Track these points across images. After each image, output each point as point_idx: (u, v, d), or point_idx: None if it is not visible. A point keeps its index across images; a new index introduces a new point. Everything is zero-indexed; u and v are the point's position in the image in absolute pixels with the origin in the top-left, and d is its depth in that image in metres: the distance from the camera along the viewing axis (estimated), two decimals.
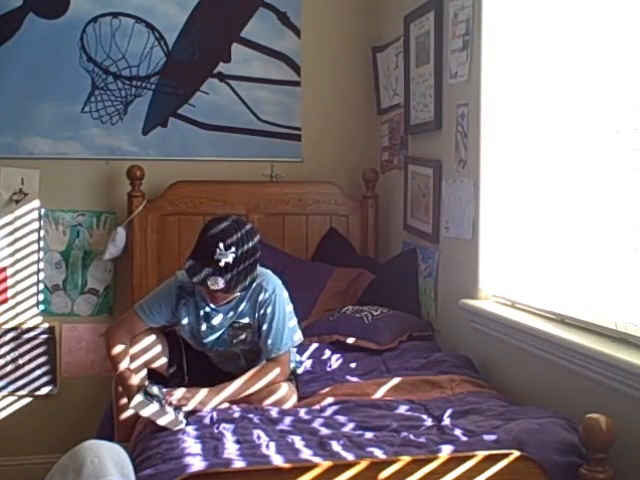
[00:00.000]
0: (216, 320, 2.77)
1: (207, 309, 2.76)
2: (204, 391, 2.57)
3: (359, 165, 4.10)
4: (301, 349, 3.25)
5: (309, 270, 3.82)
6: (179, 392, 2.54)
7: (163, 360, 2.85)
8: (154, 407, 2.43)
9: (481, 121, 2.97)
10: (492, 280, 2.99)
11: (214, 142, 4.05)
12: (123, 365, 2.71)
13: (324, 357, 3.20)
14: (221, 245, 2.55)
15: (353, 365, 3.10)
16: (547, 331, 2.52)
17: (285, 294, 2.82)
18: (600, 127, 2.37)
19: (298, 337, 2.86)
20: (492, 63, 2.93)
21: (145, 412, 2.44)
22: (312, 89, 4.11)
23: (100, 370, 3.89)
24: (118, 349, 2.73)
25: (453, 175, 3.21)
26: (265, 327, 2.74)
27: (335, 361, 3.16)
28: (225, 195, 3.88)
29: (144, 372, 2.80)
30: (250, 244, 2.61)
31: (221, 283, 2.55)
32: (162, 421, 2.39)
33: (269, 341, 2.74)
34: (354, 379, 2.92)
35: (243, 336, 2.78)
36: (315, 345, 3.31)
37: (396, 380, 2.82)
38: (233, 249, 2.56)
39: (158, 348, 2.84)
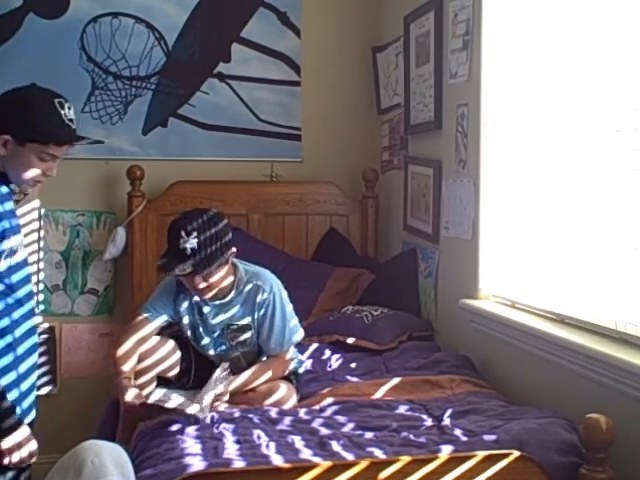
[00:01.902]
0: (211, 316, 2.78)
1: (201, 304, 2.78)
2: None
3: (359, 165, 4.10)
4: (301, 349, 3.25)
5: (309, 270, 3.82)
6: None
7: (172, 363, 2.83)
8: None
9: (481, 121, 2.97)
10: (492, 280, 2.99)
11: (214, 142, 4.05)
12: (125, 367, 2.69)
13: (324, 357, 3.20)
14: (182, 233, 2.60)
15: (353, 365, 3.10)
16: (547, 331, 2.52)
17: (284, 293, 2.83)
18: (600, 127, 2.37)
19: (299, 336, 2.87)
20: (492, 63, 2.93)
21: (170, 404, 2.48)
22: (312, 89, 4.11)
23: (100, 370, 3.90)
24: (121, 351, 2.72)
25: (453, 175, 3.21)
26: (266, 326, 2.76)
27: (335, 361, 3.16)
28: (225, 195, 3.88)
29: (153, 374, 2.78)
30: (213, 229, 2.64)
31: (188, 267, 2.60)
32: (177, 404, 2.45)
33: (271, 340, 2.77)
34: (354, 379, 2.92)
35: (242, 337, 2.79)
36: (315, 345, 3.32)
37: (396, 380, 2.82)
38: (195, 234, 2.60)
39: (167, 349, 2.81)
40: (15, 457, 2.04)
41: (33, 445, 2.10)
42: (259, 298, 2.75)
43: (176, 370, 2.80)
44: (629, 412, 2.12)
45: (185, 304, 2.80)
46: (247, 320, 2.77)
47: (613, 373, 2.17)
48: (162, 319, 2.81)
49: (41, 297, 3.92)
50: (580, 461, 2.03)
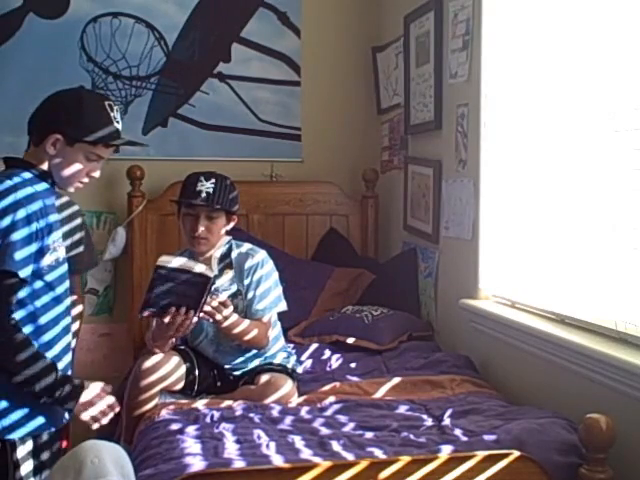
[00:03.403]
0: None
1: None
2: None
3: (359, 165, 4.10)
4: (301, 349, 3.25)
5: (309, 270, 3.82)
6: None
7: (177, 377, 2.80)
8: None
9: (481, 121, 2.97)
10: (492, 280, 2.99)
11: (214, 142, 4.05)
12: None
13: (324, 357, 3.20)
14: (202, 178, 2.80)
15: (353, 365, 3.10)
16: (547, 331, 2.52)
17: (275, 272, 2.89)
18: (600, 127, 2.37)
19: (282, 306, 2.90)
20: (492, 63, 2.94)
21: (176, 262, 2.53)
22: (312, 89, 4.11)
23: (100, 370, 3.89)
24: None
25: (453, 175, 3.21)
26: (252, 290, 2.82)
27: (335, 361, 3.16)
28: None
29: (158, 389, 2.75)
30: (229, 183, 2.84)
31: (200, 201, 2.75)
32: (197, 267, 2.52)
33: (254, 303, 2.82)
34: (354, 379, 2.92)
35: (235, 304, 2.79)
36: (315, 345, 3.32)
37: (396, 380, 2.82)
38: (213, 180, 2.79)
39: (172, 364, 2.78)
40: (94, 411, 2.05)
41: (109, 399, 2.10)
42: (248, 264, 2.84)
43: (181, 384, 2.79)
44: (629, 412, 2.12)
45: None
46: (237, 287, 2.82)
47: (613, 373, 2.17)
48: None
49: None
50: (580, 461, 2.03)
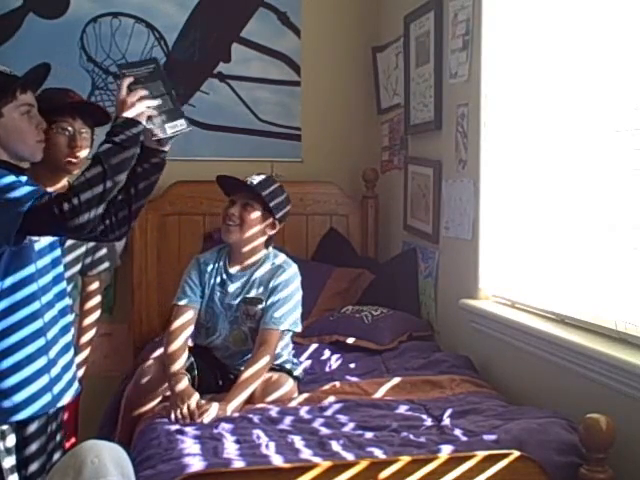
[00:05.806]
0: (232, 289, 2.81)
1: (227, 281, 2.83)
2: (215, 406, 2.50)
3: (359, 165, 4.10)
4: (301, 349, 3.25)
5: (309, 270, 3.80)
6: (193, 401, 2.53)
7: None
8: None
9: (481, 121, 2.97)
10: (492, 280, 2.99)
11: (214, 142, 4.05)
12: (176, 366, 2.66)
13: (324, 357, 3.20)
14: (255, 174, 2.85)
15: (353, 365, 3.10)
16: (547, 331, 2.52)
17: (300, 291, 2.85)
18: (600, 127, 2.37)
19: (296, 327, 2.84)
20: (492, 63, 2.94)
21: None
22: (312, 89, 4.11)
23: (100, 370, 3.89)
24: (173, 348, 2.72)
25: (453, 175, 3.21)
26: (272, 299, 2.77)
27: (335, 361, 3.16)
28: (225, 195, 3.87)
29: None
30: (281, 188, 2.84)
31: (247, 188, 2.77)
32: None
33: (269, 312, 2.76)
34: (354, 379, 2.92)
35: (253, 311, 2.79)
36: (315, 345, 3.32)
37: (396, 380, 2.82)
38: (264, 176, 2.84)
39: None
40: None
41: None
42: (277, 276, 2.80)
43: None
44: (629, 412, 2.12)
45: (212, 280, 2.84)
46: (261, 292, 2.80)
47: (613, 373, 2.17)
48: (196, 301, 2.82)
49: None
50: (580, 461, 2.03)
